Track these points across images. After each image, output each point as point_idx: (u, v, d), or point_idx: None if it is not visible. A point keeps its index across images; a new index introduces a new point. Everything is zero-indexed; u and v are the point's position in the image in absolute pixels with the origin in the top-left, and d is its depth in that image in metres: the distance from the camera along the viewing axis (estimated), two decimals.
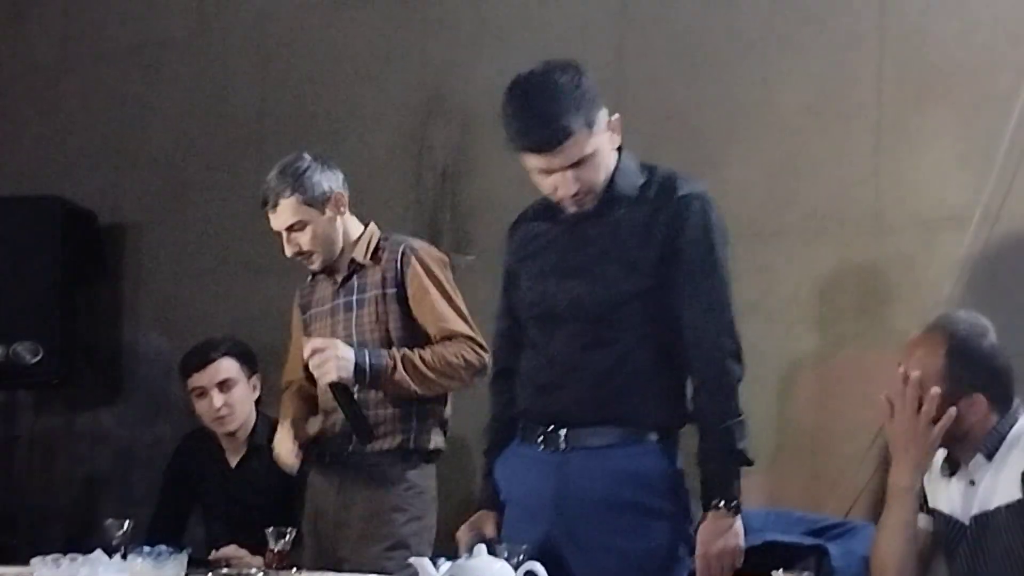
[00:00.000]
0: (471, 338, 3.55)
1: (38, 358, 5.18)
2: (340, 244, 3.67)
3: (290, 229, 3.63)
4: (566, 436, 2.97)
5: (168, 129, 5.58)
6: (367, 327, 3.60)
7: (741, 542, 2.92)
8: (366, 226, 3.74)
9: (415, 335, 3.58)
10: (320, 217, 3.63)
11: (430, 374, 3.48)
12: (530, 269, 3.12)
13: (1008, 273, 3.74)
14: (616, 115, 2.99)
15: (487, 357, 3.47)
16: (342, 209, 3.67)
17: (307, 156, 3.66)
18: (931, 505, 2.88)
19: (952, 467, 2.83)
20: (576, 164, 2.91)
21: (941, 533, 2.86)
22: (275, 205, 3.62)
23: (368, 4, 5.09)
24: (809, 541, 3.34)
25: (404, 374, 3.47)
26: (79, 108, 5.84)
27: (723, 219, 3.01)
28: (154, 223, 5.59)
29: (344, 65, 5.13)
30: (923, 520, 2.91)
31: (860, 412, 3.88)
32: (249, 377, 4.24)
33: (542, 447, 3.01)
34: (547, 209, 3.09)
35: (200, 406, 4.22)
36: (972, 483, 2.78)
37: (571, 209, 3.00)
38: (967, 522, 2.78)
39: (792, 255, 4.07)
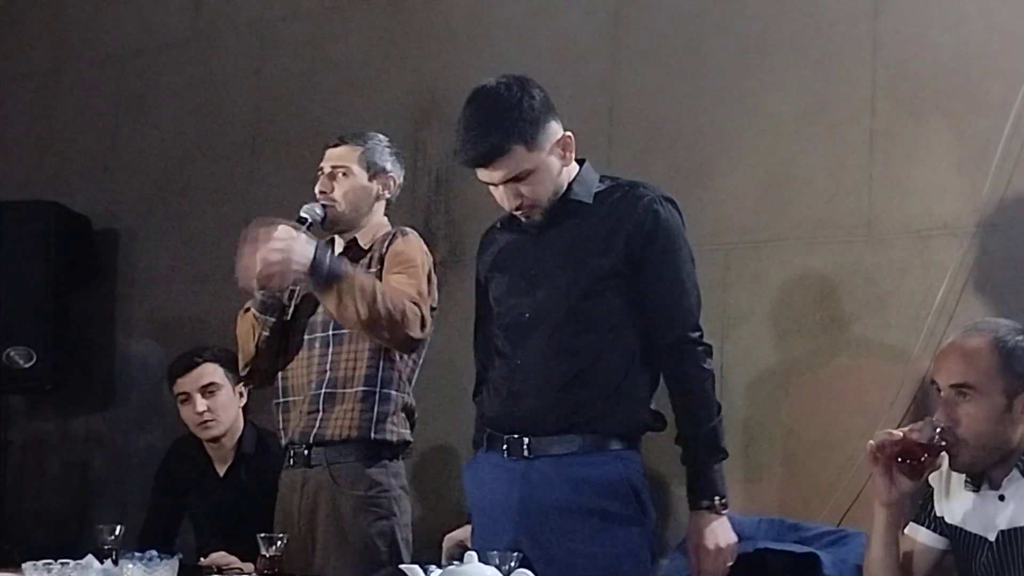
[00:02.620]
0: (417, 304, 3.43)
1: (31, 363, 5.19)
2: (362, 216, 3.68)
3: (335, 168, 3.66)
4: (530, 444, 3.02)
5: (163, 135, 5.59)
6: None
7: (733, 538, 2.98)
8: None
9: None
10: (363, 180, 3.68)
11: (380, 300, 3.32)
12: (499, 280, 3.19)
13: (1002, 282, 3.73)
14: (568, 132, 3.07)
15: (425, 330, 3.44)
16: (384, 192, 3.72)
17: (383, 137, 3.77)
18: (948, 521, 2.86)
19: (975, 483, 2.81)
20: (516, 179, 3.01)
21: (959, 550, 2.84)
22: (336, 145, 3.71)
23: (362, 10, 5.10)
24: (801, 549, 3.34)
25: (358, 283, 3.33)
26: (74, 114, 5.85)
27: (682, 221, 3.10)
28: (148, 229, 5.60)
29: (338, 71, 5.13)
30: (934, 539, 2.91)
31: (853, 420, 3.88)
32: (235, 384, 4.23)
33: (507, 455, 3.05)
34: (512, 220, 3.17)
35: (184, 411, 4.22)
36: (1002, 498, 2.75)
37: (523, 220, 3.10)
38: (992, 537, 2.76)
39: (785, 263, 4.07)
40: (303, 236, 3.32)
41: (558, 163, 3.06)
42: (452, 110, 4.80)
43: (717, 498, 2.97)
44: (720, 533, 2.97)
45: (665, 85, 4.35)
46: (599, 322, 3.01)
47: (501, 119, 2.97)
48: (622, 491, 2.99)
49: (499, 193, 3.07)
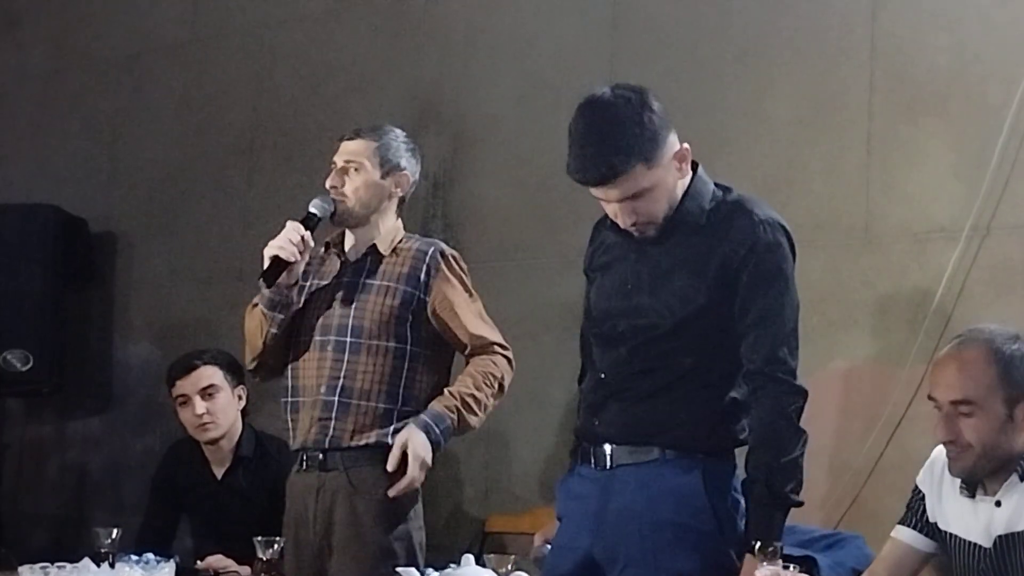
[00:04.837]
0: (502, 345, 3.57)
1: (29, 366, 5.18)
2: (372, 212, 3.61)
3: (347, 163, 3.58)
4: (612, 454, 2.98)
5: (160, 138, 5.59)
6: (367, 313, 3.53)
7: None
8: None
9: (416, 338, 3.55)
10: (376, 176, 3.59)
11: (488, 400, 3.52)
12: (600, 284, 3.11)
13: (999, 285, 3.73)
14: (685, 144, 2.96)
15: (512, 363, 3.56)
16: (397, 190, 3.64)
17: (400, 131, 3.70)
18: (943, 528, 2.86)
19: (971, 489, 2.80)
20: (632, 197, 2.89)
21: (955, 556, 2.84)
22: (350, 138, 3.64)
23: (360, 16, 5.10)
24: (798, 552, 3.33)
25: (466, 417, 3.50)
26: (72, 117, 5.85)
27: (791, 248, 3.00)
28: (145, 232, 5.61)
29: (336, 75, 5.13)
30: (924, 543, 2.91)
31: (850, 423, 3.88)
32: (234, 387, 4.23)
33: (593, 465, 3.03)
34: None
35: (183, 414, 4.22)
36: (998, 504, 2.75)
37: (634, 234, 2.98)
38: (989, 543, 2.75)
39: None
40: (421, 437, 3.44)
41: (674, 177, 2.95)
42: (450, 114, 4.85)
43: (759, 543, 2.76)
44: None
45: (662, 89, 4.31)
46: (690, 343, 2.93)
47: (622, 137, 2.84)
48: (699, 504, 2.92)
49: (612, 209, 2.95)
